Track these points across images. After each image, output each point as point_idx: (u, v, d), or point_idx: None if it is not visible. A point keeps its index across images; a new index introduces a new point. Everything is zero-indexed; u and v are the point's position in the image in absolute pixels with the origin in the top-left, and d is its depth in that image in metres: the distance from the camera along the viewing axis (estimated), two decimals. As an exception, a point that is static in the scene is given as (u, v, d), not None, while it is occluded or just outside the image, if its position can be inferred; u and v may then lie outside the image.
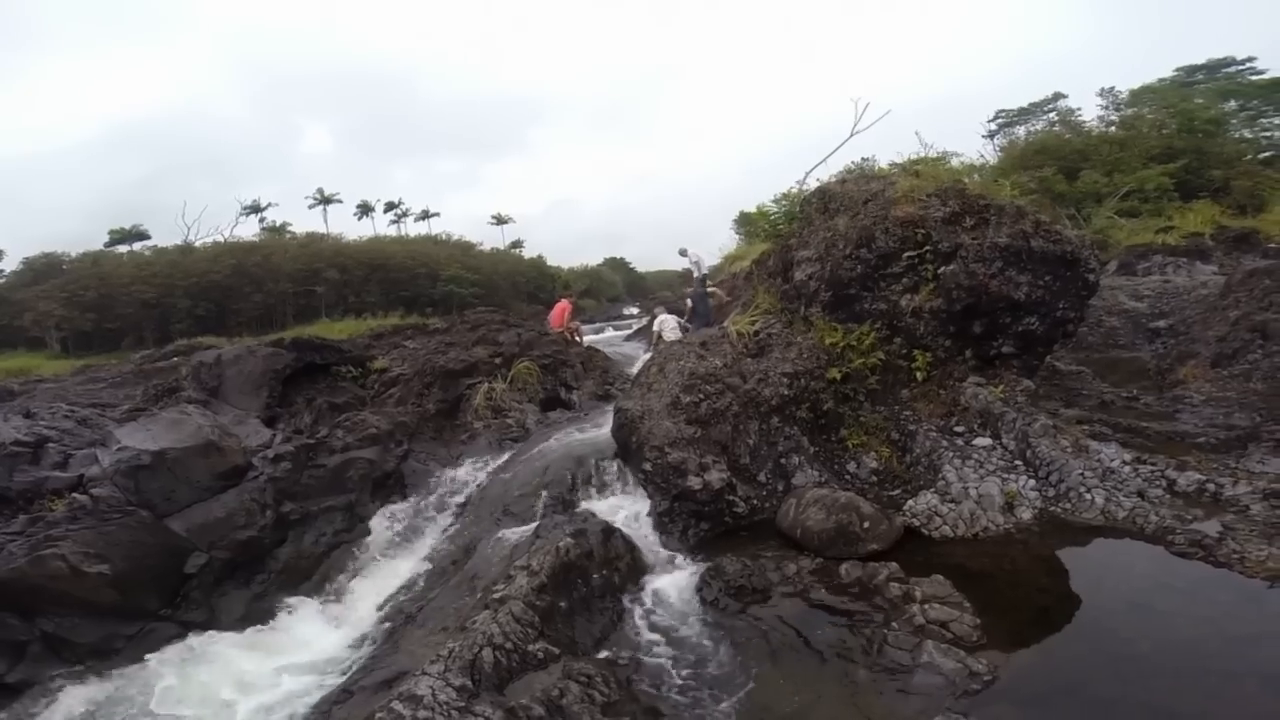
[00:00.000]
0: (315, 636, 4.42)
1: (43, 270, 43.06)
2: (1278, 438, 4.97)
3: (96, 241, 50.16)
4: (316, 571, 5.16)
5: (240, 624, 4.62)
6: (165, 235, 53.35)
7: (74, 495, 4.55)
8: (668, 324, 11.26)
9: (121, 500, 4.59)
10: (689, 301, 12.46)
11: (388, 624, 4.38)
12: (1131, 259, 14.51)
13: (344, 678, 3.77)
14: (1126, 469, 4.53)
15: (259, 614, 4.72)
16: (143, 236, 53.17)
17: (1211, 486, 4.28)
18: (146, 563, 4.46)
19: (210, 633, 4.48)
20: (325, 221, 64.34)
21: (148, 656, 4.18)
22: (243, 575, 4.92)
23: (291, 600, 4.86)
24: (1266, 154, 25.72)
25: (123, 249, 51.18)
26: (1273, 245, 13.68)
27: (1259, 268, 8.70)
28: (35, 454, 4.90)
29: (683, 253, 12.74)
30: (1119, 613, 3.44)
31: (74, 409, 6.04)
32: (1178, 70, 32.95)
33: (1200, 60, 32.90)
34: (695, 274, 12.40)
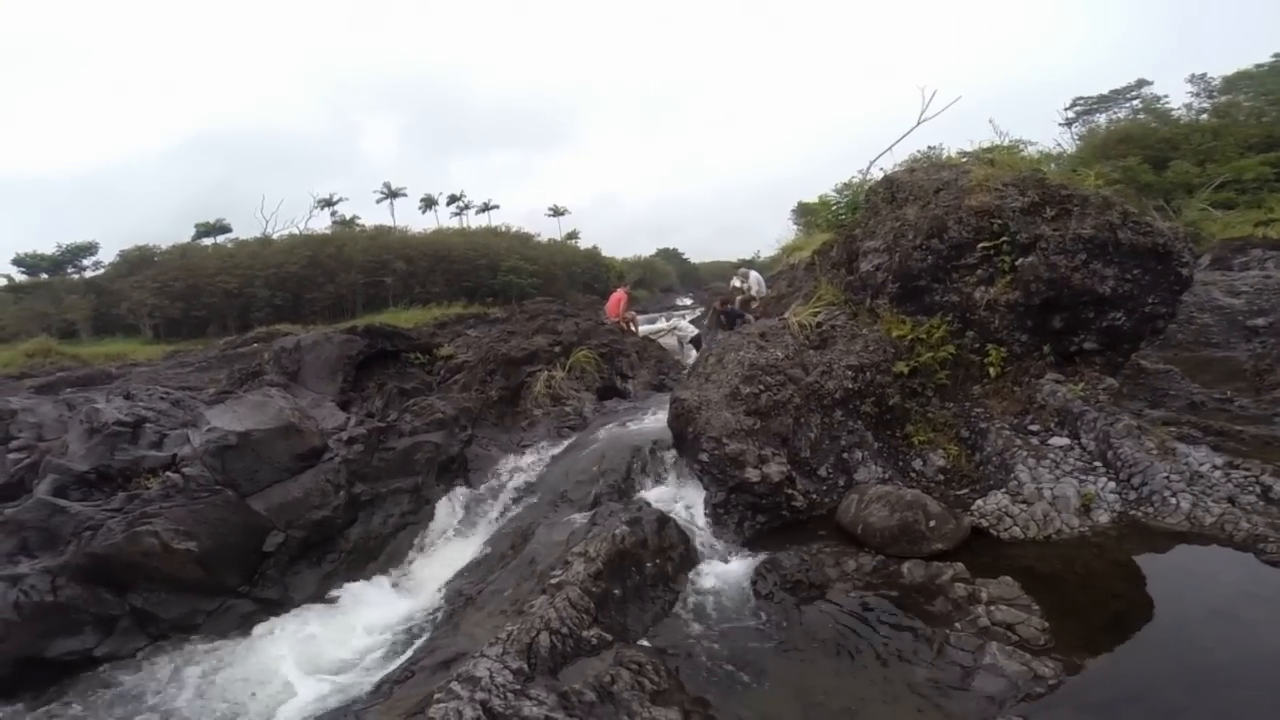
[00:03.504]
0: (380, 616, 4.62)
1: (137, 262, 46.37)
2: None
3: (183, 237, 53.63)
4: (383, 552, 5.38)
5: (311, 602, 4.86)
6: (245, 228, 56.82)
7: (168, 474, 4.88)
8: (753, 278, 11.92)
9: (209, 479, 4.90)
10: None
11: (448, 605, 4.54)
12: (1227, 253, 13.56)
13: (405, 657, 3.93)
14: (1217, 473, 4.26)
15: (329, 592, 4.96)
16: (225, 230, 56.53)
17: None
18: (229, 540, 4.75)
19: (283, 610, 4.73)
20: (392, 214, 66.85)
21: (225, 632, 4.45)
22: (315, 554, 5.17)
23: (359, 580, 5.09)
24: None
25: (208, 241, 54.50)
26: None
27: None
28: (134, 433, 5.29)
29: (743, 275, 13.26)
30: (1198, 621, 3.26)
31: (168, 391, 6.49)
32: (1276, 55, 30.37)
33: None
34: (743, 292, 12.70)
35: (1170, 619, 3.32)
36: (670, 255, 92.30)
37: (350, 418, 6.39)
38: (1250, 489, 4.13)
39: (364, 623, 4.56)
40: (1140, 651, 3.13)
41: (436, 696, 2.84)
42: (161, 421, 5.54)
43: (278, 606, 4.77)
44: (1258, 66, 29.16)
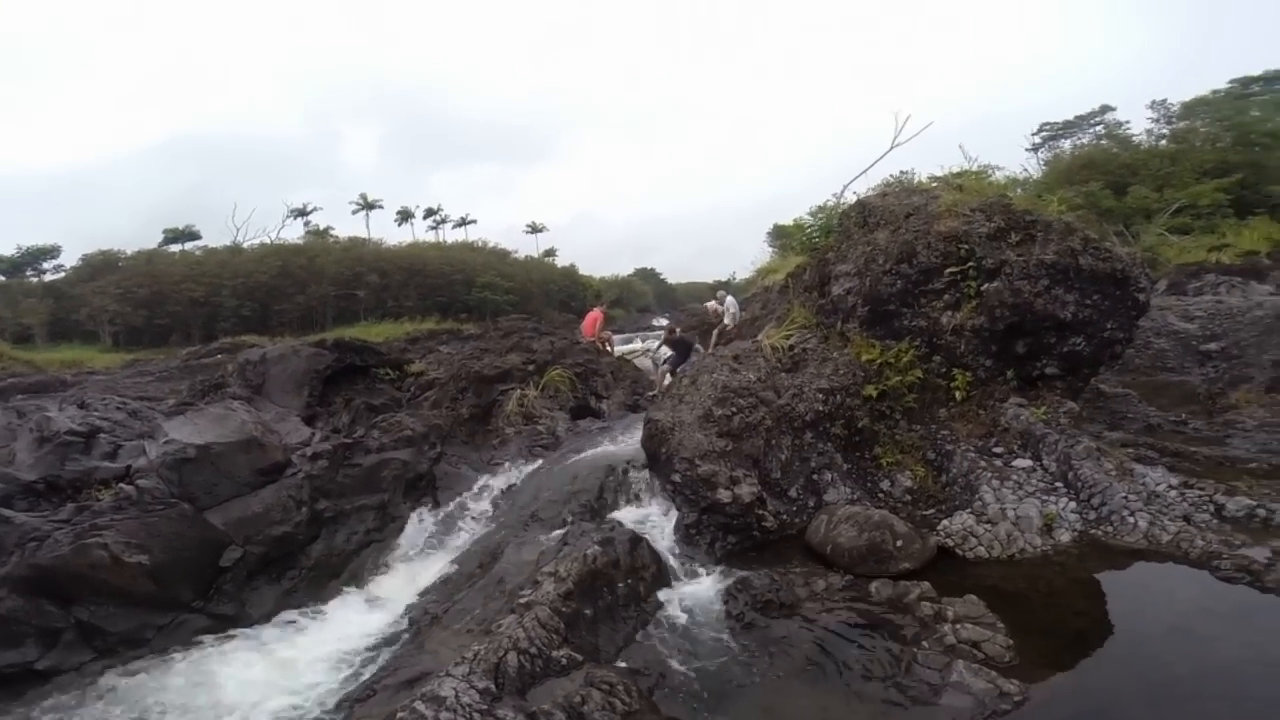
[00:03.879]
0: (341, 634, 4.48)
1: (100, 267, 45.03)
2: None
3: (151, 243, 52.24)
4: (346, 569, 5.25)
5: (268, 619, 4.70)
6: (216, 236, 55.35)
7: (121, 485, 4.71)
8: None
9: (165, 492, 4.74)
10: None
11: (413, 624, 4.42)
12: (1182, 278, 14.01)
13: (367, 676, 3.82)
14: (1173, 493, 4.43)
15: (288, 609, 4.80)
16: (194, 236, 55.18)
17: (1262, 512, 4.17)
18: (184, 555, 4.59)
19: (239, 627, 4.56)
20: (367, 226, 66.06)
21: (176, 648, 4.27)
22: (275, 570, 5.02)
23: (320, 597, 4.94)
24: None
25: (175, 248, 53.19)
26: None
27: (1321, 289, 8.30)
28: (87, 444, 5.09)
29: (720, 298, 13.73)
30: (1158, 637, 3.38)
31: (125, 401, 6.28)
32: (1232, 82, 31.53)
33: (1257, 71, 31.67)
34: (718, 315, 13.14)
35: (1130, 635, 3.42)
36: (648, 275, 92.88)
37: (315, 433, 6.25)
38: (1204, 507, 4.30)
39: (324, 640, 4.42)
40: (1102, 667, 3.22)
41: (399, 715, 2.77)
42: (117, 432, 5.35)
43: (233, 623, 4.61)
44: (1214, 93, 30.18)
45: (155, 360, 26.70)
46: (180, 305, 42.77)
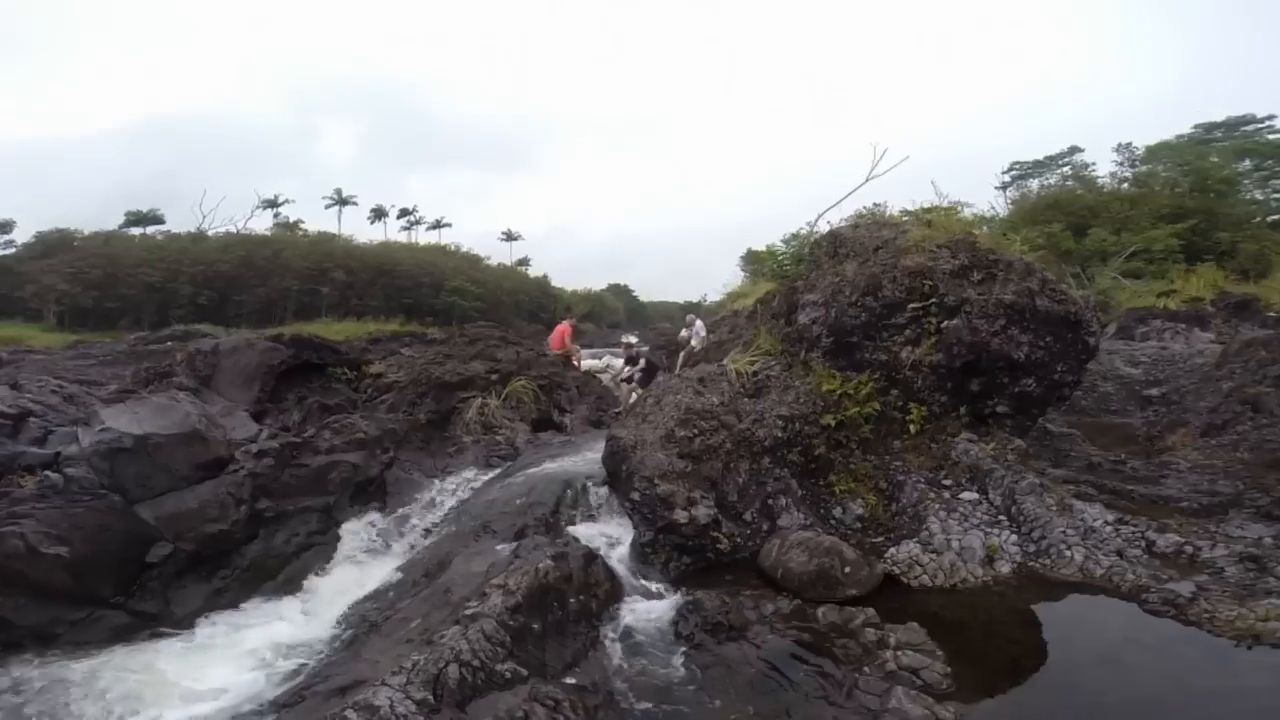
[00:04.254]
0: (271, 638, 4.29)
1: (54, 245, 43.26)
2: (1259, 505, 5.05)
3: (110, 224, 50.43)
4: (283, 572, 5.04)
5: (194, 619, 4.49)
6: (181, 223, 53.66)
7: (47, 473, 4.45)
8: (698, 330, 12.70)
9: (94, 482, 4.49)
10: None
11: (351, 631, 4.28)
12: (1131, 322, 14.52)
13: (296, 681, 3.67)
14: (1108, 529, 4.59)
15: (216, 610, 4.59)
16: (158, 221, 53.50)
17: (1189, 549, 4.36)
18: (108, 548, 4.35)
19: (160, 625, 4.35)
20: (339, 222, 64.91)
21: (89, 645, 4.05)
22: (205, 569, 4.79)
23: (252, 599, 4.75)
24: (1276, 216, 25.44)
25: (136, 231, 51.41)
26: (1272, 314, 13.68)
27: (1256, 338, 8.76)
28: (15, 427, 4.82)
29: (690, 321, 14.14)
30: (1088, 666, 3.49)
31: (62, 384, 5.97)
32: (1196, 127, 32.42)
33: (1220, 118, 32.37)
34: (687, 337, 13.42)
35: (1062, 664, 3.54)
36: (620, 291, 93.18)
37: (263, 430, 6.03)
38: (1136, 543, 4.47)
39: (251, 643, 4.22)
40: (1034, 695, 3.32)
41: (329, 723, 2.65)
42: (49, 416, 5.08)
43: (156, 621, 4.38)
44: (1178, 138, 31.10)
45: (101, 343, 25.60)
46: (134, 289, 41.28)
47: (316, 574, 5.09)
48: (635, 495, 4.96)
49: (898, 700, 3.13)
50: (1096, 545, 4.43)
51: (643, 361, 11.94)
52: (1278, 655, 3.27)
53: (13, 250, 44.93)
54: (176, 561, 4.64)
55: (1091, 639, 3.74)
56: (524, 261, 77.76)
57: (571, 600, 3.91)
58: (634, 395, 11.13)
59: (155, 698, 3.63)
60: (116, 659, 4.00)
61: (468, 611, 3.50)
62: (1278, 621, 3.44)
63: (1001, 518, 4.86)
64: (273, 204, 60.72)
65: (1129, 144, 32.64)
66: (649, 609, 4.21)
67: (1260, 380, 7.33)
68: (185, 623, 4.43)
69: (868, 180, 8.70)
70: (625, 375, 11.76)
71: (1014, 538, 4.65)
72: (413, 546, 5.48)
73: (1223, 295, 15.89)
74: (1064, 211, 25.12)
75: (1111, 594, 4.04)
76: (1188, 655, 3.44)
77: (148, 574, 4.52)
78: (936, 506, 4.98)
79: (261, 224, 58.31)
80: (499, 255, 71.93)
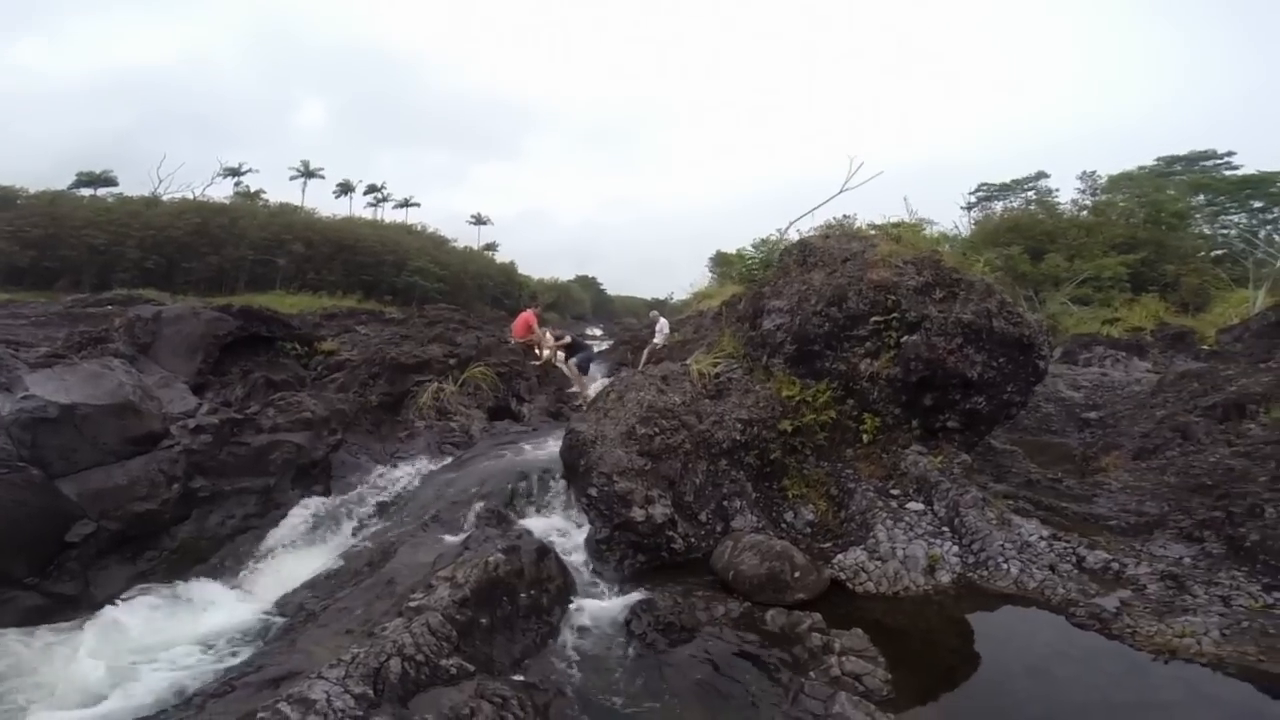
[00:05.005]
0: (199, 623, 4.10)
1: (-5, 202, 40.48)
2: (1182, 526, 5.23)
3: (61, 184, 47.57)
4: (215, 555, 4.81)
5: (115, 602, 4.23)
6: (136, 188, 50.90)
7: (-41, 442, 4.13)
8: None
9: (13, 454, 4.17)
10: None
11: (286, 619, 4.11)
12: (1075, 347, 14.90)
13: (224, 669, 3.51)
14: (1042, 544, 4.74)
15: (140, 594, 4.34)
16: (110, 183, 50.83)
17: (1116, 565, 4.51)
18: (23, 526, 4.05)
19: (78, 608, 4.10)
20: (303, 195, 62.75)
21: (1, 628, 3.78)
22: (130, 550, 4.53)
23: (180, 582, 4.50)
24: (1219, 252, 26.17)
25: (86, 192, 48.63)
26: (1204, 348, 14.33)
27: (1190, 370, 9.17)
28: (-75, 390, 4.46)
29: (654, 318, 14.85)
30: (1018, 676, 3.61)
31: (-17, 346, 5.56)
32: (1158, 159, 33.50)
33: (1183, 151, 33.51)
34: (656, 329, 14.20)
35: (993, 674, 3.66)
36: (588, 283, 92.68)
37: (203, 404, 5.74)
38: (1068, 558, 4.62)
39: (177, 629, 4.01)
40: (966, 703, 3.44)
41: (260, 716, 2.53)
42: (-36, 380, 4.70)
43: (73, 604, 4.12)
44: (1140, 168, 32.19)
45: (34, 303, 24.16)
46: (76, 250, 39.09)
47: (252, 559, 4.88)
48: (593, 491, 4.90)
49: (841, 706, 3.16)
50: (1031, 559, 4.58)
51: (567, 338, 12.46)
52: (1191, 670, 3.43)
53: (-50, 206, 41.92)
54: (99, 541, 4.36)
55: (1023, 650, 3.86)
56: (491, 246, 76.62)
57: (522, 595, 3.84)
58: (593, 385, 11.19)
59: (65, 686, 3.41)
60: (30, 641, 3.75)
61: (413, 603, 3.40)
62: (1192, 638, 3.61)
63: (944, 529, 4.97)
64: (235, 172, 58.31)
65: (1093, 172, 33.83)
66: (602, 606, 4.19)
67: (1191, 410, 7.69)
68: (105, 605, 4.16)
69: (842, 191, 8.85)
70: (561, 358, 11.91)
71: (955, 549, 4.77)
72: (356, 533, 5.31)
73: (1162, 326, 16.46)
74: (1023, 235, 25.51)
75: (1043, 607, 4.17)
76: (1110, 669, 3.57)
77: (67, 554, 4.23)
78: (884, 515, 5.07)
79: (221, 192, 55.91)
80: (466, 238, 70.77)
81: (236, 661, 3.64)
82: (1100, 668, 3.59)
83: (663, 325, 14.54)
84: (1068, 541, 4.77)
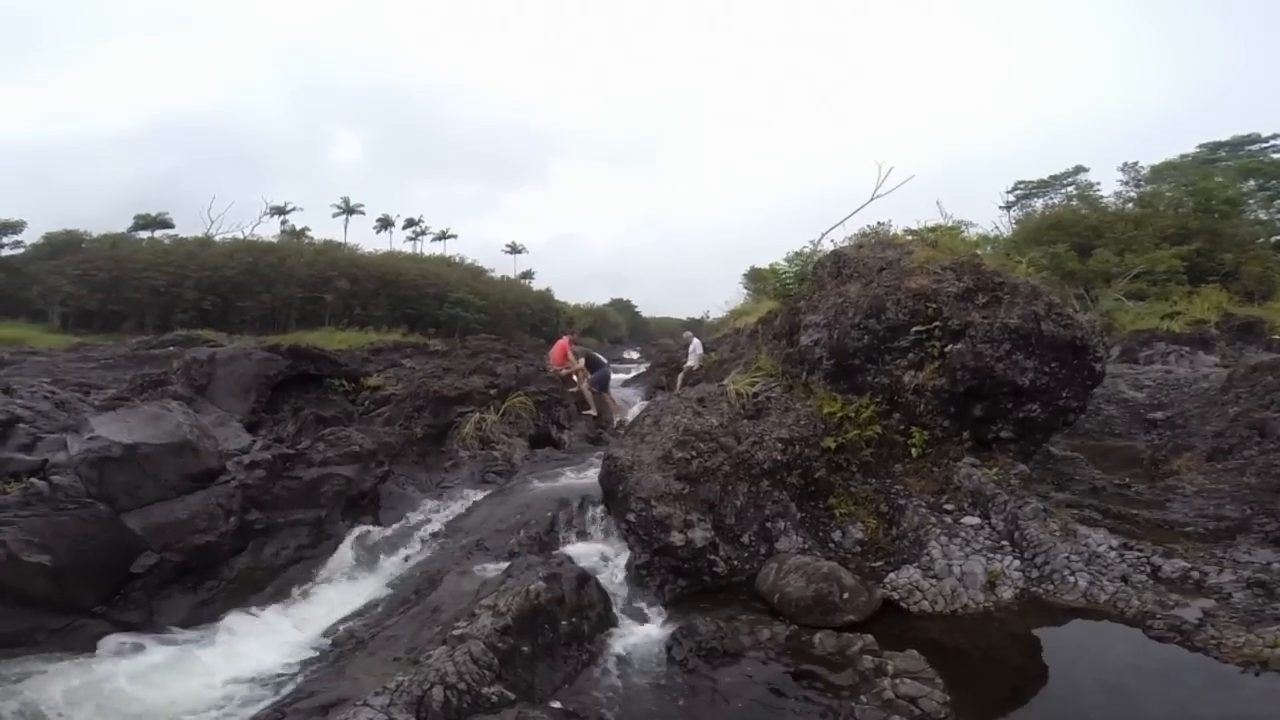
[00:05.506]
0: (255, 651, 4.21)
1: (62, 246, 43.46)
2: (1267, 530, 4.94)
3: (119, 227, 50.71)
4: (270, 585, 4.97)
5: (177, 629, 4.42)
6: (188, 228, 54.05)
7: (32, 480, 4.39)
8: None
9: (81, 491, 4.43)
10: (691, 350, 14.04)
11: (336, 647, 4.19)
12: (1135, 345, 14.33)
13: (277, 697, 3.58)
14: (1112, 554, 4.52)
15: (199, 621, 4.52)
16: (166, 225, 53.85)
17: (1196, 574, 4.27)
18: (92, 557, 4.28)
19: (143, 635, 4.26)
20: (345, 231, 65.31)
21: (66, 653, 3.96)
22: (191, 580, 4.73)
23: (237, 612, 4.66)
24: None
25: (144, 235, 51.68)
26: (1276, 337, 13.49)
27: (1262, 363, 8.65)
28: (3, 433, 4.76)
29: (688, 338, 14.89)
30: (1089, 693, 3.40)
31: (54, 390, 5.92)
32: (1201, 146, 32.07)
33: (1225, 137, 31.89)
34: (689, 350, 14.14)
35: (1063, 691, 3.46)
36: (623, 306, 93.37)
37: (256, 441, 5.97)
38: (1141, 568, 4.38)
39: (234, 656, 4.14)
40: None
41: (307, 745, 2.58)
42: (38, 423, 5.01)
43: (138, 631, 4.30)
44: (1183, 157, 30.59)
45: (103, 346, 25.68)
46: (139, 293, 41.43)
47: (305, 588, 5.01)
48: (631, 516, 4.88)
49: (895, 730, 3.03)
50: (1101, 571, 4.37)
51: (582, 361, 12.05)
52: None
53: (21, 250, 45.16)
54: (162, 572, 4.57)
55: (1094, 665, 3.67)
56: (528, 274, 78.12)
57: (563, 622, 3.82)
58: (624, 411, 11.14)
59: (131, 710, 3.54)
60: (96, 667, 3.91)
61: (456, 632, 3.43)
62: None
63: (1004, 543, 4.78)
64: (281, 210, 61.16)
65: (1135, 163, 31.86)
66: (643, 632, 4.13)
67: (1267, 405, 7.23)
68: (167, 633, 4.35)
69: (873, 199, 8.67)
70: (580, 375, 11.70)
71: (1016, 563, 4.58)
72: (404, 562, 5.39)
73: (1227, 317, 15.60)
74: (1068, 232, 24.63)
75: (1115, 620, 3.97)
76: (1192, 682, 3.37)
77: (132, 584, 4.45)
78: (938, 531, 4.90)
79: (269, 230, 58.67)
80: (503, 267, 72.30)
81: (289, 688, 3.71)
82: (1182, 681, 3.39)
83: (696, 345, 14.43)
84: (1141, 550, 4.54)
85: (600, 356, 12.51)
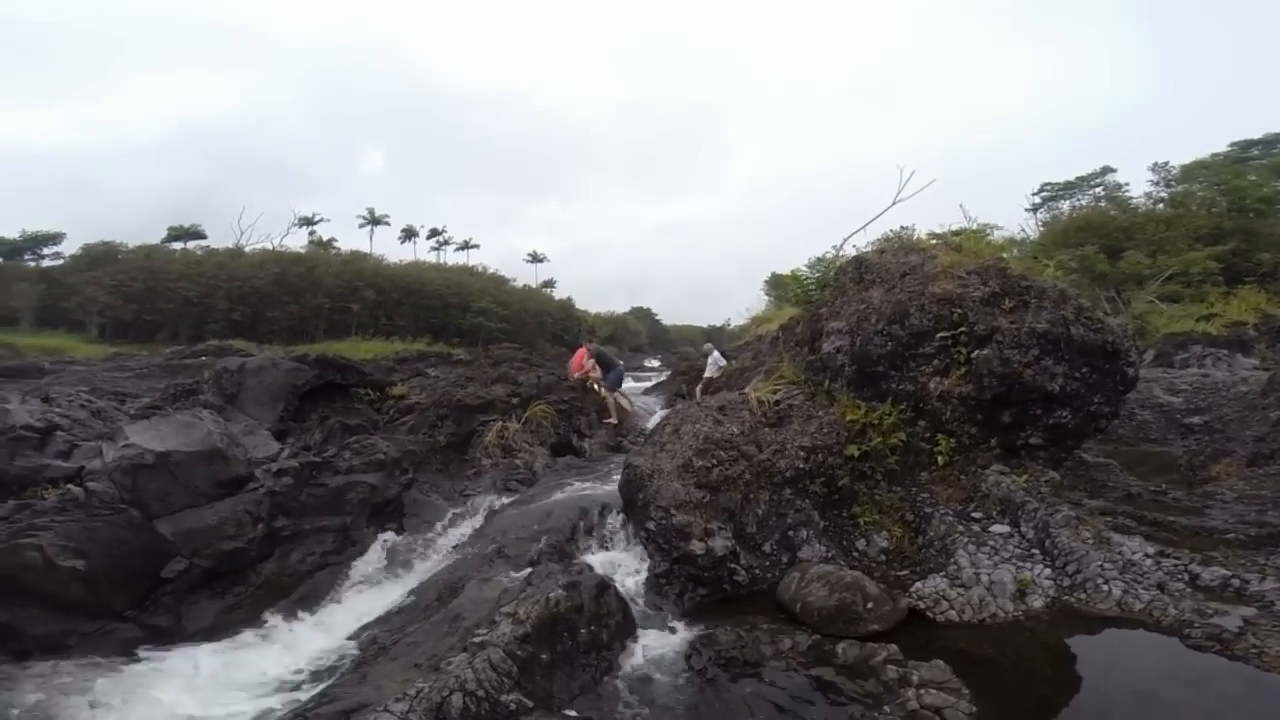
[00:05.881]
0: (280, 656, 4.29)
1: (99, 257, 44.86)
2: None
3: (153, 238, 52.25)
4: (296, 591, 5.06)
5: (206, 634, 4.51)
6: (220, 238, 55.58)
7: (69, 486, 4.54)
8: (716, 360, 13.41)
9: (115, 497, 4.56)
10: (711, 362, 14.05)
11: (358, 653, 4.25)
12: (1169, 348, 13.89)
13: (299, 702, 3.63)
14: (1148, 562, 4.38)
15: (228, 626, 4.61)
16: (199, 236, 55.38)
17: (1236, 582, 4.12)
18: (124, 562, 4.40)
19: (172, 640, 4.37)
20: (371, 241, 66.52)
21: (98, 657, 4.06)
22: (220, 585, 4.83)
23: (264, 617, 4.75)
24: None
25: (177, 246, 53.15)
26: None
27: (1306, 364, 8.33)
28: (42, 440, 4.94)
29: (707, 350, 14.89)
30: (1122, 703, 3.31)
31: (91, 399, 6.12)
32: (1232, 145, 30.89)
33: (1257, 135, 30.76)
34: (709, 361, 14.03)
35: (1095, 700, 3.37)
36: (643, 315, 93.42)
37: (284, 449, 6.10)
38: (1179, 576, 4.24)
39: (260, 661, 4.22)
40: None
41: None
42: (75, 431, 5.19)
43: (167, 635, 4.41)
44: (1214, 156, 29.38)
45: (138, 356, 26.45)
46: (173, 303, 42.55)
47: (330, 594, 5.10)
48: (651, 525, 4.86)
49: (920, 743, 2.97)
50: (1136, 579, 4.23)
51: (592, 360, 11.94)
52: None
53: (60, 261, 46.74)
54: (191, 577, 4.68)
55: (1128, 675, 3.56)
56: (549, 283, 78.65)
57: (582, 631, 3.82)
58: (624, 404, 11.06)
59: (159, 713, 3.61)
60: (126, 671, 4.01)
61: (476, 639, 3.44)
62: None
63: (1034, 551, 4.66)
64: (309, 221, 62.51)
65: (1165, 163, 31.08)
66: (662, 641, 4.11)
67: (1312, 410, 6.97)
68: (196, 637, 4.45)
69: (895, 203, 8.56)
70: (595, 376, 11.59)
71: (1047, 572, 4.46)
72: (426, 570, 5.45)
73: (1266, 319, 15.01)
74: (1097, 234, 24.04)
75: (1151, 629, 3.85)
76: (1232, 692, 3.26)
77: (162, 589, 4.57)
78: (965, 540, 4.79)
79: (297, 241, 59.98)
80: (524, 276, 73.00)
81: (311, 693, 3.76)
82: (1220, 691, 3.28)
83: (716, 357, 14.30)
84: (1178, 558, 4.40)
85: (613, 357, 12.43)
